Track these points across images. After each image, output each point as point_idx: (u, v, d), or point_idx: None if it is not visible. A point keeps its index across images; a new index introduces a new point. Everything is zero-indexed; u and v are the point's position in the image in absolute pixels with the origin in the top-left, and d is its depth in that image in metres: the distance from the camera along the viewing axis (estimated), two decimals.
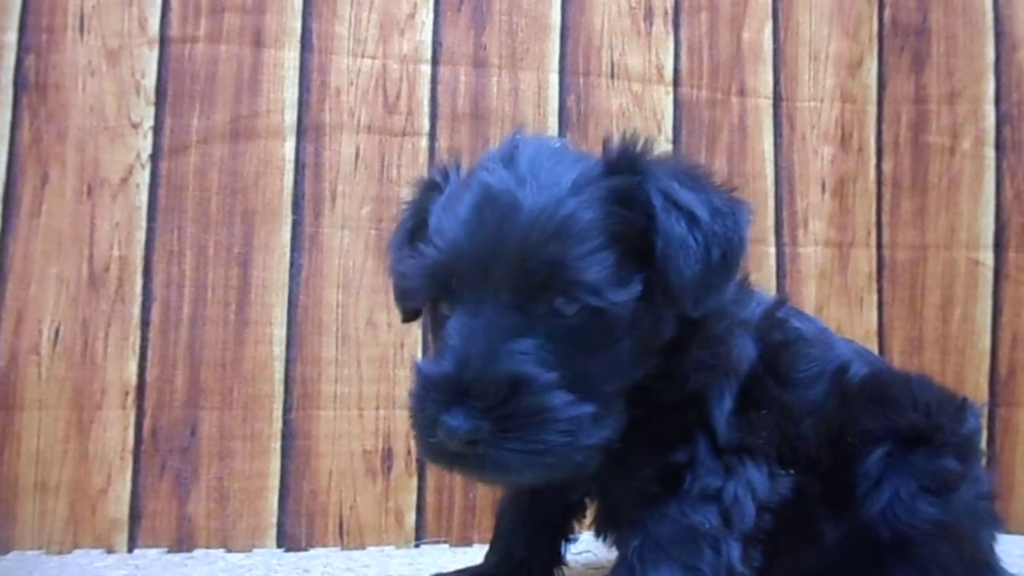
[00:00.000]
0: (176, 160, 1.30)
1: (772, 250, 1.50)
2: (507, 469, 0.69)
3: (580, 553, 1.17)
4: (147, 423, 1.27)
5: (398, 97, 1.37)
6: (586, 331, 0.72)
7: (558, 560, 1.00)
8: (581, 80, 1.43)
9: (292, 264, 1.32)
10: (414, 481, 1.34)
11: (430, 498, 1.34)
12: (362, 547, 1.31)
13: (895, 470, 0.88)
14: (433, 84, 1.38)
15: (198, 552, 1.26)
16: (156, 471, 1.27)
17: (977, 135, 1.55)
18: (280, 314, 1.31)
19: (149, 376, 1.28)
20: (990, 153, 1.55)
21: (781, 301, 0.95)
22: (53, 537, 1.23)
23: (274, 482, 1.30)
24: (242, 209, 1.31)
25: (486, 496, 1.35)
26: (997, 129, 1.55)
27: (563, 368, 0.71)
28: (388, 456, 1.33)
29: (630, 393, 0.76)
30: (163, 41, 1.30)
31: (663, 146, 1.45)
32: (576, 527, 1.02)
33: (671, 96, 1.47)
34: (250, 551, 1.27)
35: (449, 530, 1.34)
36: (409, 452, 1.33)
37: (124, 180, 1.29)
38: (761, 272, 1.48)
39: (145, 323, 1.28)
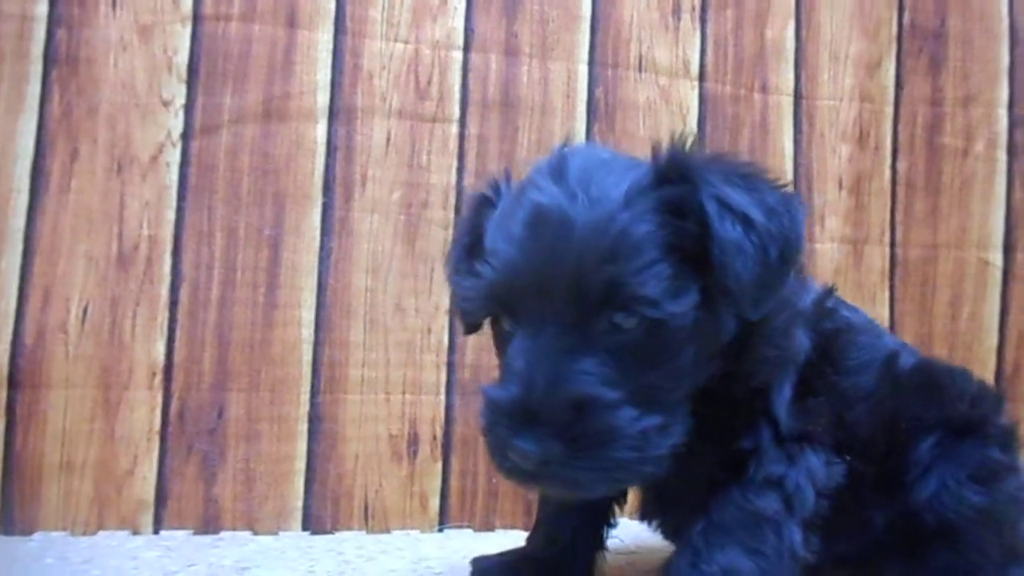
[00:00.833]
0: (207, 140, 1.29)
1: None
2: (580, 486, 0.71)
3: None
4: (174, 404, 1.26)
5: (429, 83, 1.37)
6: (647, 344, 0.73)
7: (600, 544, 1.02)
8: (610, 72, 1.44)
9: (322, 247, 1.32)
10: (439, 466, 1.34)
11: (454, 483, 1.35)
12: (387, 531, 1.31)
13: (944, 459, 0.91)
14: (464, 71, 1.38)
15: (225, 534, 1.25)
16: (183, 452, 1.26)
17: (990, 138, 1.59)
18: (309, 297, 1.31)
19: (177, 357, 1.27)
20: (1002, 156, 1.59)
21: (830, 290, 0.97)
22: (78, 518, 1.22)
23: (300, 465, 1.30)
24: (273, 191, 1.31)
25: (508, 483, 1.36)
26: (1009, 133, 1.59)
27: (627, 383, 0.72)
28: (414, 441, 1.33)
29: (695, 395, 0.78)
30: (196, 18, 1.29)
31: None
32: (617, 512, 1.04)
33: (696, 91, 1.49)
34: (276, 534, 1.27)
35: (472, 515, 1.35)
36: (434, 437, 1.34)
37: (154, 158, 1.27)
38: None
39: (173, 303, 1.27)
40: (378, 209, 1.34)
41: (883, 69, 1.59)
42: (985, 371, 1.57)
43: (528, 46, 1.40)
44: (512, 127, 1.39)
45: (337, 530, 1.30)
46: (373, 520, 1.32)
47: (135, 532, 1.23)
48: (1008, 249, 1.58)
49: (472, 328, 0.92)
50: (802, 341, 0.88)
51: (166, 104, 1.28)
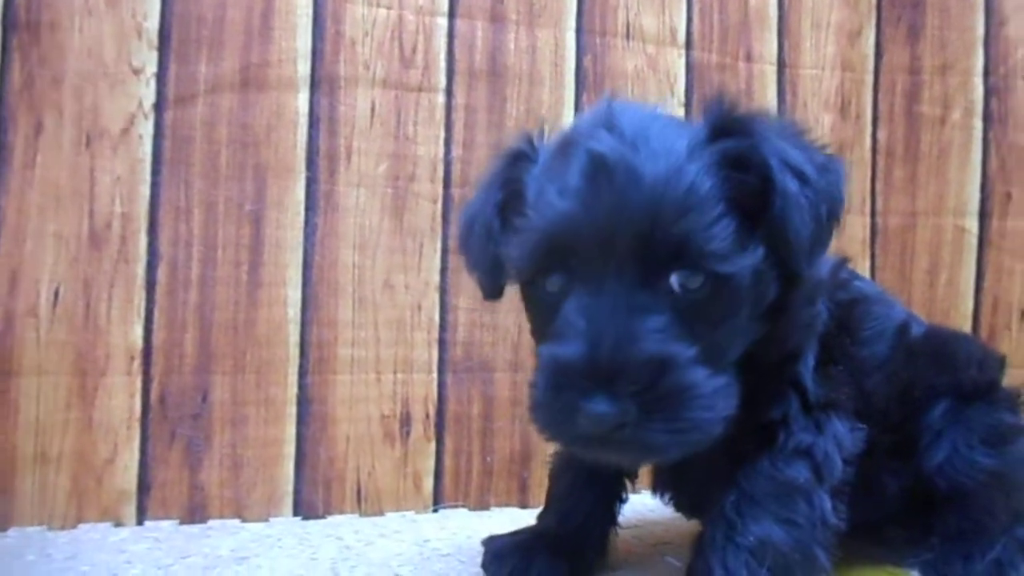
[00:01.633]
0: (182, 110, 1.22)
1: None
2: (654, 450, 0.69)
3: None
4: (155, 389, 1.20)
5: (414, 51, 1.32)
6: (712, 302, 0.71)
7: (613, 520, 1.00)
8: (598, 40, 1.41)
9: (307, 223, 1.27)
10: (432, 446, 1.31)
11: (448, 462, 1.32)
12: (380, 513, 1.28)
13: (955, 424, 0.92)
14: (450, 38, 1.33)
15: (213, 523, 1.20)
16: (165, 439, 1.21)
17: (966, 106, 1.61)
18: (294, 275, 1.26)
19: (156, 340, 1.21)
20: (978, 124, 1.61)
21: (843, 261, 0.97)
22: (55, 512, 1.16)
23: (289, 449, 1.25)
24: (253, 164, 1.25)
25: (503, 460, 1.34)
26: (985, 101, 1.61)
27: (695, 342, 0.70)
28: (406, 421, 1.30)
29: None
30: None
31: (677, 109, 1.45)
32: (629, 487, 1.02)
33: (683, 59, 1.46)
34: (266, 520, 1.23)
35: (467, 495, 1.32)
36: (427, 416, 1.31)
37: (125, 131, 1.20)
38: None
39: (151, 284, 1.21)
40: (364, 183, 1.29)
41: (863, 37, 1.59)
42: None
43: (515, 12, 1.36)
44: (500, 97, 1.35)
45: (329, 515, 1.26)
46: (366, 503, 1.28)
47: (117, 524, 1.18)
48: (983, 216, 1.61)
49: (495, 293, 0.87)
50: (821, 311, 0.87)
51: (136, 72, 1.20)
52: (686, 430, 0.68)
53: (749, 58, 1.51)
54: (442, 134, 1.33)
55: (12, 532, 1.13)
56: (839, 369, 0.86)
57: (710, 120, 0.77)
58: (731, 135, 0.75)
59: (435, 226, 1.32)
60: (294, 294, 1.26)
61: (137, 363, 1.20)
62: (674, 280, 0.70)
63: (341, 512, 1.27)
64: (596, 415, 0.66)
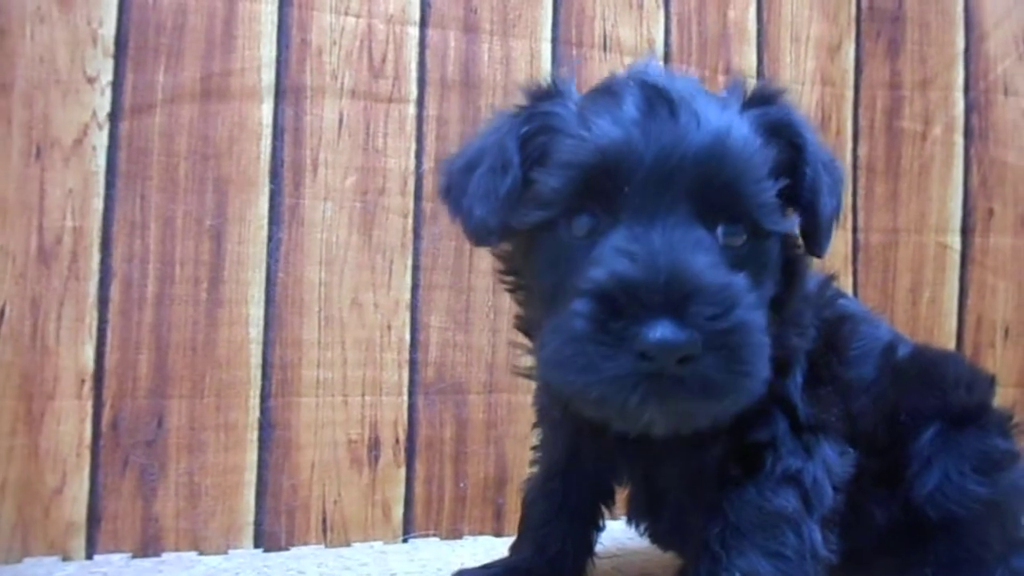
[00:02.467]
0: (139, 120, 1.16)
1: None
2: (712, 392, 0.61)
3: None
4: (106, 414, 1.14)
5: (384, 60, 1.27)
6: (749, 266, 0.68)
7: (590, 550, 0.95)
8: (574, 51, 1.37)
9: (270, 238, 1.21)
10: (402, 472, 1.25)
11: (419, 489, 1.26)
12: (347, 544, 1.22)
13: (945, 451, 0.88)
14: (421, 48, 1.29)
15: (168, 555, 1.14)
16: (118, 467, 1.14)
17: (947, 122, 1.59)
18: (257, 293, 1.20)
19: (108, 362, 1.14)
20: (959, 140, 1.59)
21: (830, 278, 0.93)
22: None
23: (250, 476, 1.19)
24: (214, 176, 1.19)
25: (477, 486, 1.28)
26: (966, 116, 1.59)
27: (740, 281, 0.66)
28: (375, 445, 1.24)
29: None
30: None
31: None
32: (606, 515, 0.97)
33: None
34: (225, 553, 1.16)
35: (439, 523, 1.26)
36: (397, 441, 1.25)
37: (78, 141, 1.14)
38: None
39: (103, 302, 1.14)
40: (331, 196, 1.24)
41: (843, 52, 1.56)
42: None
43: (488, 22, 1.32)
44: (473, 108, 1.31)
45: (293, 546, 1.20)
46: (332, 533, 1.22)
47: (65, 558, 1.11)
48: (965, 232, 1.58)
49: (490, 237, 0.75)
50: (809, 327, 0.83)
51: (91, 81, 1.15)
52: (744, 374, 0.62)
53: (728, 71, 1.48)
54: (413, 146, 1.28)
55: None
56: (828, 390, 0.82)
57: (740, 88, 0.76)
58: (764, 103, 0.75)
59: (406, 241, 1.26)
60: (256, 312, 1.20)
61: (88, 386, 1.13)
62: (720, 231, 0.68)
63: (305, 543, 1.20)
64: (660, 341, 0.58)
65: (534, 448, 0.99)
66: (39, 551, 1.10)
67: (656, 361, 0.59)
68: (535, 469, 0.97)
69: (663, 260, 0.61)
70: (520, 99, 0.79)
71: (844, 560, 0.90)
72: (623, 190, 0.66)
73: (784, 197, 0.72)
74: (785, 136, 0.73)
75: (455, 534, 1.27)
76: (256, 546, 1.18)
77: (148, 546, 1.14)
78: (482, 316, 1.29)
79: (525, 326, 0.83)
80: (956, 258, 1.58)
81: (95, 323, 1.14)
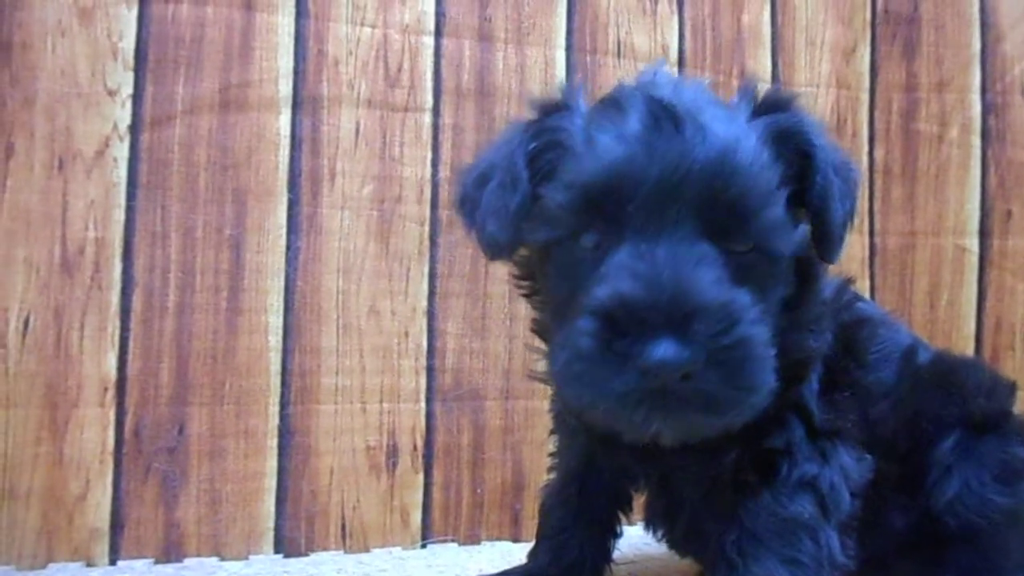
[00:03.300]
0: (159, 132, 1.18)
1: None
2: (715, 408, 0.62)
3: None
4: (129, 422, 1.15)
5: (400, 70, 1.28)
6: (754, 275, 0.68)
7: (607, 557, 0.95)
8: (588, 58, 1.37)
9: (289, 247, 1.22)
10: (420, 478, 1.26)
11: (437, 495, 1.27)
12: (366, 550, 1.23)
13: (966, 459, 0.87)
14: (436, 57, 1.30)
15: (189, 561, 1.15)
16: (140, 474, 1.15)
17: (964, 123, 1.58)
18: (276, 301, 1.21)
19: (131, 370, 1.16)
20: (976, 141, 1.58)
21: (847, 282, 0.93)
22: (24, 551, 1.10)
23: (271, 483, 1.20)
24: (233, 187, 1.20)
25: (495, 492, 1.29)
26: (983, 118, 1.58)
27: (744, 295, 0.66)
28: (393, 452, 1.25)
29: None
30: (142, 0, 1.18)
31: None
32: (623, 521, 0.97)
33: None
34: (246, 558, 1.17)
35: (457, 528, 1.27)
36: (415, 447, 1.26)
37: (100, 153, 1.16)
38: None
39: (125, 311, 1.16)
40: (348, 205, 1.25)
41: (858, 55, 1.56)
42: None
43: (503, 31, 1.33)
44: (489, 116, 1.32)
45: (312, 552, 1.21)
46: (351, 539, 1.23)
47: (89, 564, 1.12)
48: (983, 235, 1.57)
49: (503, 251, 0.77)
50: (826, 332, 0.83)
51: (111, 94, 1.17)
52: (747, 389, 0.63)
53: (743, 75, 1.48)
54: (429, 155, 1.29)
55: None
56: (845, 395, 0.82)
57: (750, 95, 0.76)
58: (774, 111, 0.74)
59: (422, 249, 1.27)
60: (276, 321, 1.21)
61: (111, 394, 1.15)
62: (733, 242, 0.67)
63: (325, 549, 1.21)
64: (661, 360, 0.59)
65: (551, 454, 0.99)
66: (63, 557, 1.12)
67: (659, 379, 0.60)
68: (552, 475, 0.98)
69: (666, 278, 0.62)
70: (530, 112, 0.79)
71: (864, 566, 0.91)
72: (627, 208, 0.66)
73: (794, 203, 0.72)
74: (795, 143, 0.73)
75: (473, 539, 1.27)
76: (276, 552, 1.19)
77: (170, 552, 1.15)
78: (499, 322, 1.30)
79: (541, 330, 0.84)
80: (974, 260, 1.57)
81: (117, 332, 1.15)
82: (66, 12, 1.15)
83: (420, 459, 1.26)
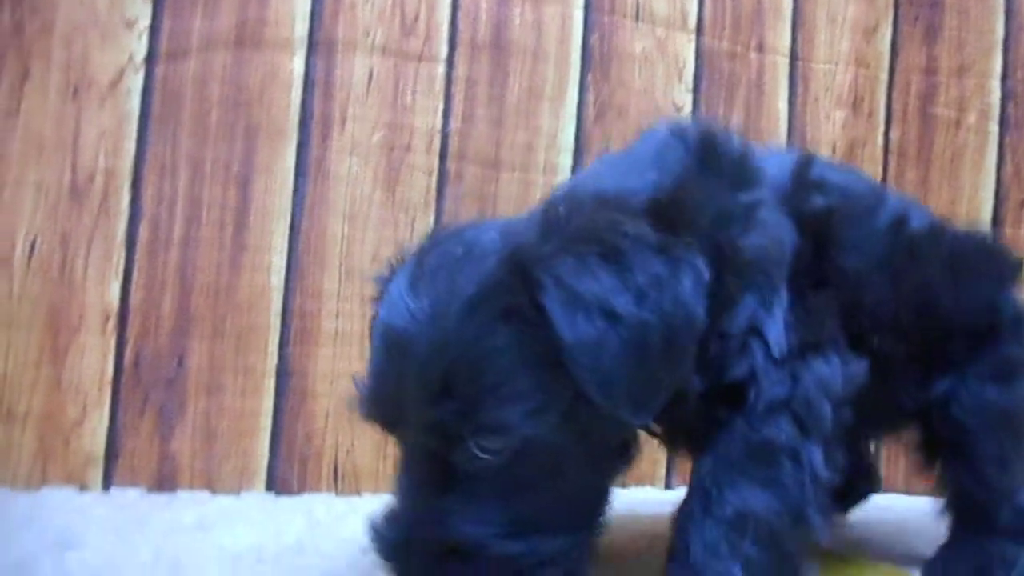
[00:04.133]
0: (174, 65, 1.18)
1: None
2: None
3: None
4: (129, 351, 1.16)
5: (416, 18, 1.28)
6: (517, 470, 0.63)
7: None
8: (606, 19, 1.37)
9: (296, 189, 1.23)
10: None
11: None
12: (357, 493, 1.23)
13: (965, 356, 0.86)
14: (453, 8, 1.30)
15: (182, 493, 1.16)
16: (137, 404, 1.16)
17: (982, 109, 1.56)
18: (280, 241, 1.22)
19: (133, 300, 1.16)
20: (993, 128, 1.56)
21: (809, 157, 0.84)
22: (19, 472, 1.11)
23: (266, 422, 1.20)
24: (244, 125, 1.21)
25: None
26: (1002, 105, 1.57)
27: (502, 514, 0.63)
28: None
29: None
30: None
31: (684, 95, 1.41)
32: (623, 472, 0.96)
33: (693, 44, 1.43)
34: (237, 494, 1.18)
35: None
36: None
37: (114, 83, 1.17)
38: None
39: (131, 242, 1.17)
40: (357, 151, 1.25)
41: (880, 34, 1.55)
42: None
43: None
44: (502, 71, 1.32)
45: (304, 492, 1.21)
46: (343, 482, 1.23)
47: (82, 488, 1.13)
48: (996, 223, 1.56)
49: None
50: (783, 230, 0.75)
51: (129, 25, 1.17)
52: None
53: (761, 48, 1.47)
54: (441, 105, 1.29)
55: None
56: (822, 295, 0.76)
57: (500, 260, 0.64)
58: (517, 279, 0.62)
59: (429, 200, 1.27)
60: (279, 260, 1.21)
61: (112, 323, 1.16)
62: (471, 445, 0.62)
63: (316, 491, 1.22)
64: None
65: None
66: (57, 480, 1.12)
67: None
68: None
69: (406, 517, 0.65)
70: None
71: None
72: (389, 431, 0.69)
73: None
74: (540, 317, 0.61)
75: None
76: (268, 490, 1.20)
77: (163, 483, 1.16)
78: None
79: None
80: None
81: (122, 262, 1.16)
82: None
83: None
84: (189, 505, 1.10)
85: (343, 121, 1.25)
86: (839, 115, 1.52)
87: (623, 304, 0.60)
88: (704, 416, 0.74)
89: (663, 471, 1.37)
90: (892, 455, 1.50)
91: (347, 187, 1.25)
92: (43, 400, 1.13)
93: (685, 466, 1.34)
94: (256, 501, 1.14)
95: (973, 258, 0.89)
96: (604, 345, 0.60)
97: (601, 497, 0.72)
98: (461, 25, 1.30)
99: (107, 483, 1.14)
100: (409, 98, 1.28)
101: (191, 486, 1.17)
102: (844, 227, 0.81)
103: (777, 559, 0.69)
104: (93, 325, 1.15)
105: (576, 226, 0.66)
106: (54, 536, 0.89)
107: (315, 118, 1.24)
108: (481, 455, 0.62)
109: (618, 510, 0.94)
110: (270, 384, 1.21)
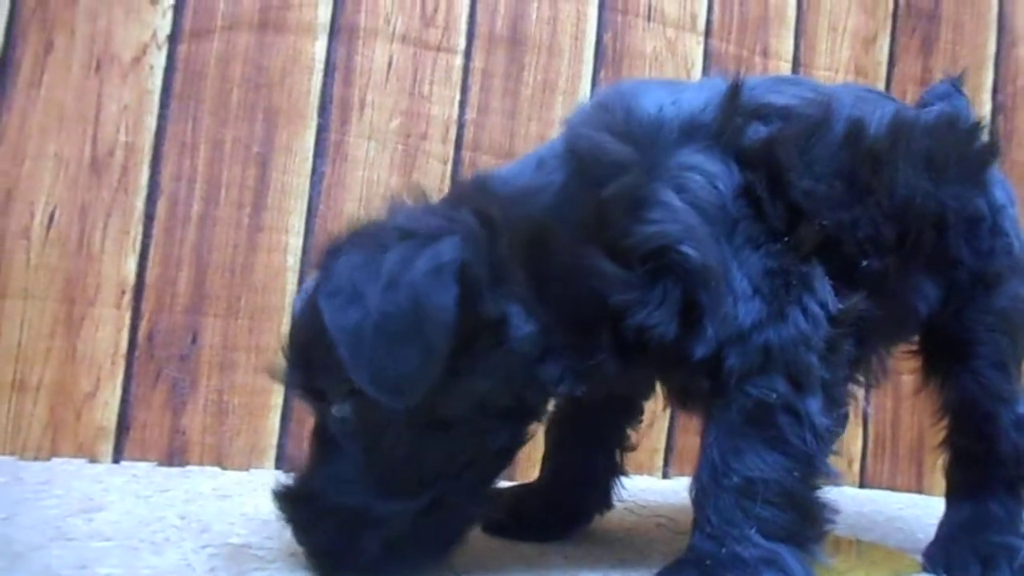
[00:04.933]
0: (197, 44, 1.20)
1: None
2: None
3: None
4: (143, 326, 1.17)
5: (436, 10, 1.31)
6: (371, 431, 0.72)
7: (617, 470, 0.96)
8: (619, 18, 1.40)
9: (314, 171, 1.24)
10: None
11: None
12: None
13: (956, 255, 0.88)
14: (472, 1, 1.32)
15: (192, 468, 1.16)
16: (150, 379, 1.17)
17: None
18: (297, 223, 1.23)
19: (149, 275, 1.17)
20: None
21: (736, 84, 0.77)
22: (29, 443, 1.11)
23: (277, 400, 1.21)
24: (265, 106, 1.22)
25: None
26: (992, 118, 1.62)
27: (368, 470, 0.72)
28: None
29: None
30: None
31: None
32: (632, 436, 0.98)
33: (702, 46, 1.46)
34: (247, 471, 1.19)
35: None
36: None
37: (137, 60, 1.17)
38: None
39: (149, 217, 1.17)
40: (375, 136, 1.27)
41: (878, 45, 1.60)
42: None
43: None
44: (518, 65, 1.34)
45: None
46: None
47: (92, 460, 1.13)
48: None
49: None
50: (719, 178, 0.72)
51: (154, 2, 1.18)
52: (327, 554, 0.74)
53: (766, 53, 1.52)
54: (457, 96, 1.31)
55: None
56: (778, 246, 0.72)
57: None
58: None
59: (443, 187, 1.29)
60: (295, 242, 1.23)
61: (128, 297, 1.16)
62: (331, 411, 0.72)
63: None
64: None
65: None
66: (67, 452, 1.12)
67: None
68: None
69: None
70: None
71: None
72: None
73: None
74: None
75: None
76: (277, 467, 1.21)
77: (173, 457, 1.17)
78: None
79: None
80: None
81: (139, 237, 1.17)
82: None
83: None
84: (201, 478, 1.10)
85: (362, 107, 1.26)
86: None
87: (371, 292, 0.65)
88: (695, 386, 0.76)
89: (661, 461, 1.40)
90: (877, 451, 1.54)
91: (364, 171, 1.26)
92: (56, 371, 1.13)
93: (682, 456, 1.38)
94: (266, 478, 1.15)
95: (945, 151, 0.84)
96: (359, 333, 0.64)
97: (478, 462, 0.74)
98: (479, 18, 1.33)
99: (117, 456, 1.15)
100: (427, 87, 1.30)
101: (201, 462, 1.18)
102: (792, 152, 0.74)
103: (793, 514, 0.71)
104: (109, 298, 1.15)
105: (372, 222, 0.76)
106: (77, 502, 0.90)
107: (335, 102, 1.25)
108: (339, 420, 0.72)
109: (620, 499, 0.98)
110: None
